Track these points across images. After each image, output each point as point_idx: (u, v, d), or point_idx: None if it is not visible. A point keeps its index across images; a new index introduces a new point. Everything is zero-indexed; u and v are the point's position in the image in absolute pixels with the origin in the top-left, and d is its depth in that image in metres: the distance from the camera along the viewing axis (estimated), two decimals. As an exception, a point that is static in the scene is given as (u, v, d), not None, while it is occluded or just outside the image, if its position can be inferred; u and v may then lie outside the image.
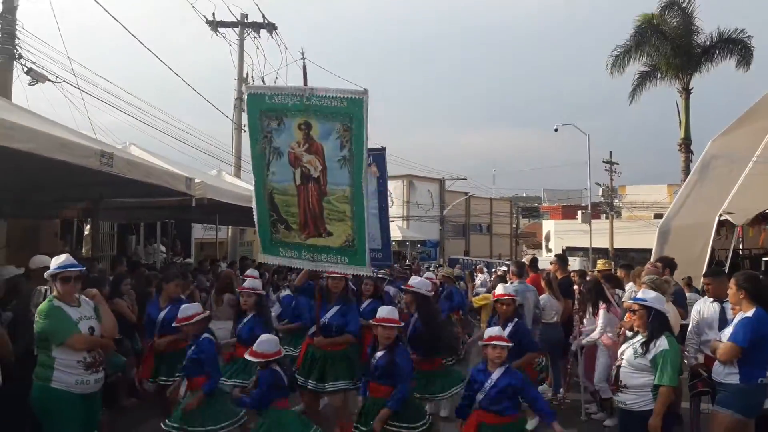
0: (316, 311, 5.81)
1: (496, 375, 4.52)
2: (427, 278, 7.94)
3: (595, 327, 7.30)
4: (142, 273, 9.69)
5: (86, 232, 13.30)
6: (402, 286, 6.12)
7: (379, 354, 4.78)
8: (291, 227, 5.59)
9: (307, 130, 5.28)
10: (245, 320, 6.05)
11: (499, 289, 5.96)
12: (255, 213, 5.77)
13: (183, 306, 5.47)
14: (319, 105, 5.17)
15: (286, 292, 8.38)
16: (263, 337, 4.95)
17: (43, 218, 11.44)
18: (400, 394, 4.68)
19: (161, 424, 5.12)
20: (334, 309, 5.81)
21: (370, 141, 5.30)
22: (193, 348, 5.23)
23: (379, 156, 7.71)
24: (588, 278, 8.51)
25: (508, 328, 5.55)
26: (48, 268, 4.68)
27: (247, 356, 4.84)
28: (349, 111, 5.07)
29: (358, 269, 5.45)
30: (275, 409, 4.73)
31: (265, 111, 5.43)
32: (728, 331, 4.88)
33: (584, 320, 7.70)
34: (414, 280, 6.03)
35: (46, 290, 5.02)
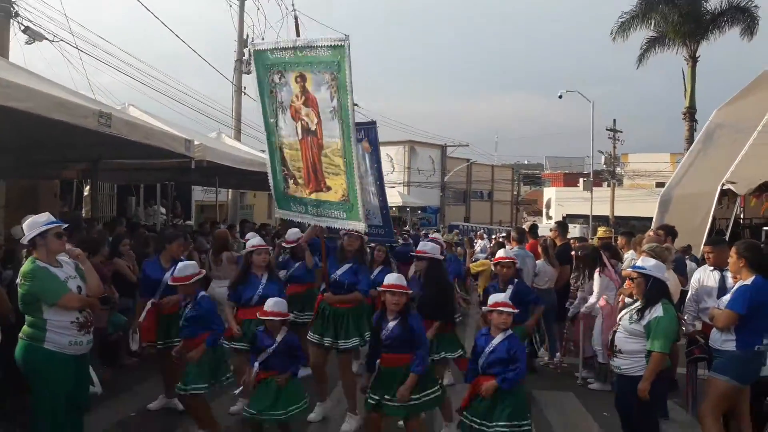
0: (324, 267, 5.78)
1: (496, 340, 4.55)
2: (433, 238, 7.99)
3: (588, 294, 7.34)
4: (141, 234, 9.71)
5: (86, 193, 13.28)
6: (411, 253, 6.07)
7: (391, 323, 4.68)
8: (298, 182, 5.59)
9: (302, 83, 5.24)
10: (264, 280, 5.91)
11: (500, 252, 5.97)
12: (269, 168, 5.82)
13: (180, 265, 5.44)
14: (311, 56, 5.13)
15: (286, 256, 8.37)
16: (273, 298, 4.97)
17: (42, 178, 11.42)
18: (421, 358, 4.67)
19: (175, 388, 5.21)
20: (346, 267, 5.79)
21: (369, 111, 5.25)
22: (190, 307, 5.25)
23: (369, 130, 7.28)
24: (586, 245, 8.50)
25: (509, 290, 5.58)
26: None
27: (262, 317, 4.83)
28: (335, 59, 4.99)
29: (355, 224, 5.39)
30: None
31: (269, 66, 5.44)
32: (727, 298, 4.89)
33: (579, 286, 7.71)
34: (425, 246, 5.98)
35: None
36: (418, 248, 5.98)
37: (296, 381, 4.93)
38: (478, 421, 4.45)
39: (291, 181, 5.65)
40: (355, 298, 5.75)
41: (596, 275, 7.28)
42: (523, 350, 4.69)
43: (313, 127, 5.31)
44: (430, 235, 10.01)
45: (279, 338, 4.84)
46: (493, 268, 5.87)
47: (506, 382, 4.43)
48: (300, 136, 5.42)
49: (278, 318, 4.84)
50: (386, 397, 4.64)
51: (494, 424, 4.40)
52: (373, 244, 7.32)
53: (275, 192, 5.85)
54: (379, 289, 4.82)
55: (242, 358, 5.68)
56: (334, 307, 5.77)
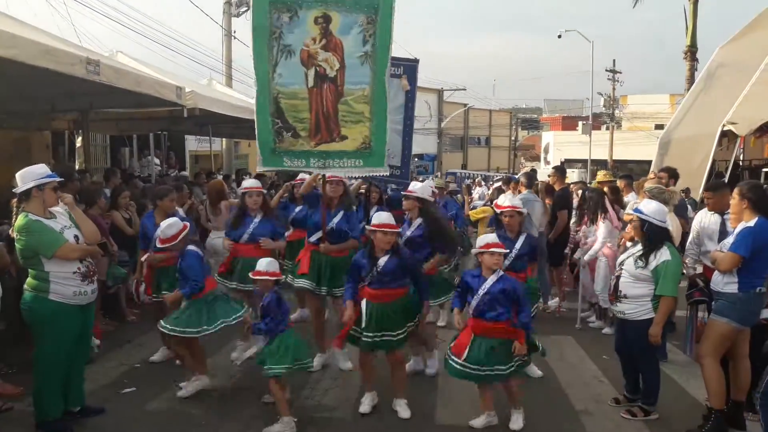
0: (323, 218, 5.73)
1: (489, 282, 4.52)
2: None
3: (595, 239, 7.31)
4: (136, 185, 9.61)
5: (78, 145, 13.09)
6: (403, 192, 5.99)
7: (383, 259, 4.73)
8: (299, 134, 5.33)
9: (325, 24, 4.94)
10: (258, 220, 6.00)
11: (504, 200, 5.84)
12: (256, 122, 5.43)
13: (163, 225, 5.32)
14: None
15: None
16: (266, 260, 4.90)
17: (33, 130, 11.23)
18: (425, 285, 4.93)
19: (157, 326, 5.24)
20: (339, 215, 5.74)
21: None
22: (180, 261, 5.25)
23: (410, 68, 7.00)
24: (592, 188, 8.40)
25: (520, 241, 5.50)
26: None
27: (254, 277, 4.79)
28: (374, 1, 4.75)
29: (375, 170, 5.37)
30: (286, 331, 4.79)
31: (274, 2, 4.98)
32: (729, 240, 4.85)
33: (582, 231, 7.69)
34: (414, 186, 5.91)
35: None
36: (408, 189, 5.91)
37: (298, 337, 4.88)
38: (484, 368, 4.47)
39: (288, 134, 5.36)
40: (351, 245, 5.73)
41: (601, 222, 7.23)
42: (522, 288, 4.71)
43: (332, 74, 5.07)
44: (426, 182, 9.89)
45: (267, 299, 4.78)
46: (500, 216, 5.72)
47: (526, 326, 4.54)
48: (311, 84, 5.13)
49: (271, 278, 4.77)
50: (380, 334, 4.75)
51: (509, 365, 4.51)
52: (365, 186, 7.29)
53: (261, 147, 5.50)
54: (368, 228, 4.81)
55: (238, 296, 5.78)
56: (331, 256, 5.74)
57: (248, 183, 6.28)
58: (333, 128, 5.24)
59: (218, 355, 6.20)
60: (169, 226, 5.29)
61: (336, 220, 5.74)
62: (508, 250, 4.75)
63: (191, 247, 5.34)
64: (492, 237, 4.74)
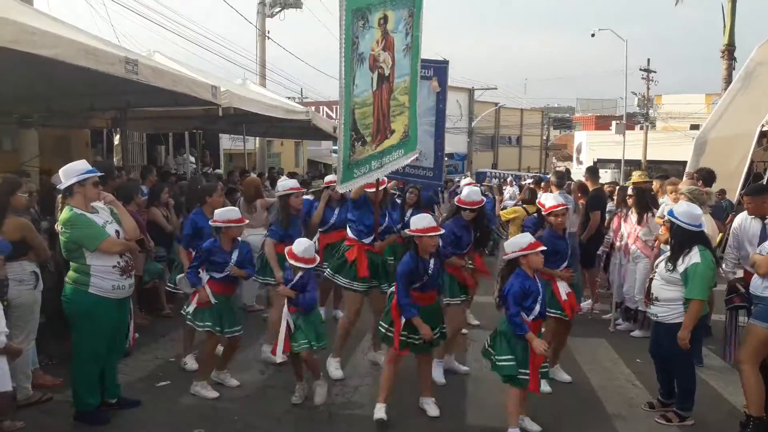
0: (375, 219, 5.68)
1: (538, 283, 4.55)
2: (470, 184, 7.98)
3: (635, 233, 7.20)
4: (172, 182, 9.78)
5: (116, 142, 13.37)
6: (435, 197, 6.08)
7: (432, 262, 4.75)
8: (365, 141, 5.24)
9: (384, 25, 5.01)
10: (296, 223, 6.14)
11: (550, 200, 5.69)
12: (340, 140, 5.10)
13: (229, 208, 5.53)
14: None
15: (305, 197, 8.32)
16: (306, 242, 5.03)
17: (73, 128, 11.50)
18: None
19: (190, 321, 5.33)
20: (386, 216, 5.89)
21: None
22: (237, 251, 5.31)
23: (440, 69, 6.79)
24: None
25: (568, 239, 5.59)
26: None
27: (291, 261, 4.93)
28: None
29: (411, 156, 5.46)
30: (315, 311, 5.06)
31: (356, 10, 4.83)
32: (768, 244, 4.75)
33: (622, 226, 7.56)
34: (463, 193, 5.89)
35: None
36: (460, 197, 5.80)
37: (315, 319, 5.05)
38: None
39: (358, 144, 5.20)
40: (394, 239, 5.93)
41: (648, 218, 7.13)
42: None
43: (387, 72, 5.11)
44: (462, 182, 9.84)
45: (297, 276, 4.97)
46: (549, 217, 5.64)
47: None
48: (374, 87, 5.11)
49: (307, 266, 4.93)
50: (418, 336, 4.70)
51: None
52: (404, 187, 7.30)
53: (343, 165, 5.12)
54: (411, 233, 4.72)
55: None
56: (381, 255, 5.80)
57: (291, 183, 6.32)
58: (386, 126, 5.27)
59: (249, 351, 6.27)
60: (229, 210, 5.46)
61: (385, 221, 5.84)
62: (545, 247, 4.61)
63: (240, 239, 5.52)
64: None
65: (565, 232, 5.59)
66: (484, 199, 6.07)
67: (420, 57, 5.07)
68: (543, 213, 5.63)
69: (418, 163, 5.97)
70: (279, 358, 5.07)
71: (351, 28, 4.72)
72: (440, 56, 7.36)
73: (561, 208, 5.51)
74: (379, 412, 4.75)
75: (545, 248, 4.54)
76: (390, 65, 5.06)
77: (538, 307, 4.43)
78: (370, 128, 5.18)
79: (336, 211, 6.88)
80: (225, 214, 5.30)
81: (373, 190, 5.62)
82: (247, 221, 6.04)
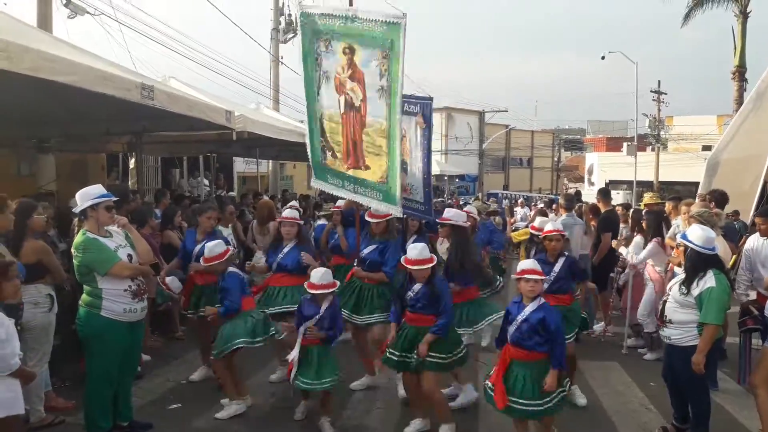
0: (357, 240, 5.78)
1: (529, 309, 4.35)
2: (465, 211, 7.88)
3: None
4: (186, 206, 9.87)
5: (131, 166, 13.52)
6: (437, 220, 6.01)
7: (417, 286, 4.79)
8: (336, 155, 5.52)
9: (350, 55, 5.07)
10: (287, 250, 5.99)
11: (548, 225, 5.76)
12: (307, 136, 5.74)
13: (209, 245, 5.51)
14: (362, 29, 4.90)
15: (320, 222, 8.36)
16: (320, 270, 5.03)
17: (89, 152, 11.67)
18: (444, 321, 4.75)
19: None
20: (373, 246, 5.75)
21: (407, 79, 5.07)
22: (221, 281, 5.40)
23: (425, 105, 7.20)
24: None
25: (559, 264, 5.46)
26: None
27: (311, 291, 4.90)
28: (387, 36, 4.76)
29: (390, 207, 5.33)
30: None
31: (315, 32, 5.27)
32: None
33: (629, 249, 7.54)
34: (449, 213, 5.93)
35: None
36: (443, 215, 5.91)
37: (331, 352, 5.02)
38: (524, 401, 4.26)
39: (329, 154, 5.56)
40: (379, 278, 5.68)
41: (651, 243, 7.11)
42: (559, 322, 4.44)
43: (357, 103, 5.16)
44: (465, 208, 9.89)
45: (324, 307, 4.92)
46: (542, 241, 5.67)
47: (558, 364, 4.29)
48: (342, 110, 5.28)
49: (327, 291, 4.93)
50: (408, 354, 4.81)
51: (545, 401, 4.27)
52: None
53: (312, 160, 5.81)
54: (403, 263, 4.82)
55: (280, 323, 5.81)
56: (364, 283, 5.78)
57: (284, 213, 6.36)
58: (360, 156, 5.34)
59: (259, 374, 6.29)
60: (215, 245, 5.46)
61: (368, 250, 5.75)
62: (544, 276, 4.54)
63: (233, 269, 5.50)
64: (530, 263, 4.57)
65: (555, 258, 5.54)
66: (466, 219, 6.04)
67: (399, 105, 4.88)
68: (540, 237, 5.67)
69: (411, 196, 6.00)
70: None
71: (312, 44, 5.25)
72: (453, 78, 7.43)
73: (555, 233, 5.54)
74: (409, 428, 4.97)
75: (533, 276, 4.39)
76: (360, 98, 5.11)
77: (512, 330, 4.36)
78: (340, 146, 5.43)
79: (336, 236, 6.95)
80: (209, 250, 5.43)
81: (376, 220, 5.68)
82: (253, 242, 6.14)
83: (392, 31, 4.74)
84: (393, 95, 4.89)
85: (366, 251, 5.78)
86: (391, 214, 5.60)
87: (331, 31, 5.12)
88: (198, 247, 6.09)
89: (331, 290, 4.96)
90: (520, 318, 4.35)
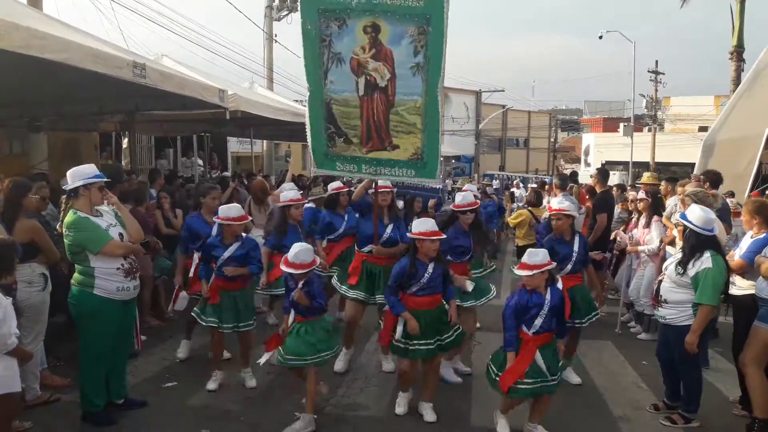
0: (374, 226, 5.72)
1: (548, 296, 4.40)
2: (468, 190, 7.89)
3: (644, 237, 7.18)
4: (177, 186, 9.85)
5: (124, 146, 13.46)
6: (452, 207, 6.02)
7: (431, 266, 4.73)
8: (351, 140, 5.34)
9: (374, 34, 4.86)
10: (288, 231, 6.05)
11: (554, 203, 5.80)
12: (308, 124, 5.47)
13: (224, 207, 5.46)
14: (390, 4, 4.69)
15: (308, 205, 8.30)
16: (299, 246, 4.74)
17: (81, 131, 11.59)
18: (453, 288, 5.03)
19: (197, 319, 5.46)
20: (390, 225, 5.79)
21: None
22: (238, 246, 5.33)
23: None
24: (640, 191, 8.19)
25: (576, 243, 5.55)
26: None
27: (284, 268, 4.65)
28: (426, 11, 4.62)
29: (427, 181, 5.38)
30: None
31: (323, 10, 4.94)
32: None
33: (633, 231, 7.53)
34: (458, 197, 5.92)
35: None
36: (455, 203, 5.88)
37: (326, 325, 4.89)
38: (540, 380, 4.35)
39: (340, 140, 5.37)
40: (403, 249, 5.58)
41: (655, 223, 7.10)
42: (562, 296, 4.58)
43: (383, 83, 5.01)
44: (464, 187, 9.89)
45: (301, 284, 4.68)
46: (551, 220, 5.71)
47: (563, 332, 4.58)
48: (362, 92, 5.11)
49: (302, 271, 4.63)
50: (418, 341, 4.72)
51: (555, 377, 4.44)
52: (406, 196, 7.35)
53: (314, 150, 5.55)
54: (414, 236, 4.74)
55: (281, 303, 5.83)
56: (382, 265, 5.71)
57: (292, 194, 6.32)
58: (384, 137, 5.22)
59: (255, 352, 6.30)
60: (231, 207, 5.44)
61: (389, 230, 5.79)
62: (548, 266, 4.42)
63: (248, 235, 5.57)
64: (525, 257, 4.49)
65: (571, 236, 5.58)
66: (478, 201, 6.12)
67: (441, 80, 4.79)
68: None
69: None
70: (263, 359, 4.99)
71: (314, 25, 4.95)
72: (449, 56, 7.36)
73: (555, 212, 5.59)
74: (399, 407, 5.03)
75: (538, 271, 4.37)
76: (387, 77, 4.97)
77: (540, 321, 4.36)
78: (357, 130, 5.26)
79: (345, 218, 6.90)
80: (225, 211, 5.37)
81: (383, 194, 5.70)
82: (251, 219, 6.14)
83: (431, 6, 4.60)
84: (433, 71, 4.79)
85: (387, 232, 5.79)
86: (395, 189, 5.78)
87: (347, 9, 4.86)
88: (215, 228, 5.77)
89: (302, 271, 4.63)
90: (546, 308, 4.38)
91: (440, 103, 4.95)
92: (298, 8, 5.21)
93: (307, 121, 5.50)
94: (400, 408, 5.02)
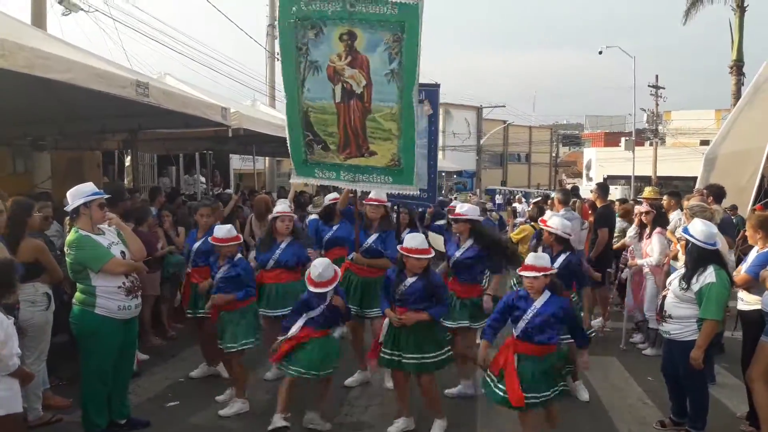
0: (356, 235, 5.76)
1: (539, 303, 4.28)
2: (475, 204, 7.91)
3: (645, 250, 7.16)
4: (178, 203, 9.87)
5: (127, 164, 13.51)
6: (451, 216, 5.97)
7: (410, 279, 4.69)
8: (328, 147, 5.40)
9: (350, 41, 4.92)
10: (284, 246, 5.92)
11: (554, 220, 5.75)
12: (287, 133, 5.58)
13: (218, 227, 5.47)
14: (366, 13, 4.75)
15: (312, 217, 8.30)
16: (320, 265, 4.76)
17: (85, 150, 11.64)
18: (442, 309, 4.81)
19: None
20: (375, 236, 5.77)
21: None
22: (228, 268, 5.32)
23: (432, 92, 7.04)
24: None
25: (560, 260, 5.41)
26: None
27: (313, 289, 4.70)
28: (400, 19, 4.67)
29: (405, 188, 5.34)
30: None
31: (300, 20, 5.01)
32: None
33: (632, 246, 7.51)
34: (462, 207, 5.89)
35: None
36: (456, 211, 5.87)
37: (334, 341, 4.97)
38: (539, 395, 4.21)
39: (318, 147, 5.44)
40: (383, 263, 5.62)
41: (656, 236, 7.06)
42: (569, 307, 4.48)
43: (359, 90, 5.07)
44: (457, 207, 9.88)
45: (327, 301, 4.82)
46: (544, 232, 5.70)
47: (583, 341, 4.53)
48: (338, 99, 5.17)
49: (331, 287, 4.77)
50: (401, 354, 4.71)
51: (554, 389, 4.29)
52: (396, 208, 7.29)
53: (293, 158, 5.68)
54: (401, 251, 4.73)
55: (269, 323, 5.82)
56: (362, 276, 5.76)
57: (279, 208, 6.25)
58: (361, 144, 5.27)
59: (258, 370, 6.27)
60: (223, 228, 5.41)
61: (371, 239, 5.78)
62: (548, 271, 4.37)
63: (240, 256, 5.51)
64: (530, 258, 4.46)
65: (557, 253, 5.49)
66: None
67: (416, 87, 4.84)
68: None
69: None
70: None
71: (291, 34, 5.04)
72: (450, 73, 7.47)
73: (546, 228, 5.65)
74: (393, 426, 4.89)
75: (531, 273, 4.31)
76: (363, 84, 5.02)
77: (523, 325, 4.27)
78: (335, 137, 5.32)
79: (333, 228, 6.89)
80: (216, 232, 5.40)
81: (375, 203, 5.71)
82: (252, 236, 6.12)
83: (405, 14, 4.65)
84: (408, 78, 4.82)
85: (369, 241, 5.78)
86: (388, 203, 5.70)
87: (322, 17, 4.92)
88: (197, 244, 6.08)
89: (331, 287, 4.76)
90: (530, 312, 4.26)
91: (415, 109, 4.98)
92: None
93: (286, 128, 5.62)
94: (392, 428, 4.87)
